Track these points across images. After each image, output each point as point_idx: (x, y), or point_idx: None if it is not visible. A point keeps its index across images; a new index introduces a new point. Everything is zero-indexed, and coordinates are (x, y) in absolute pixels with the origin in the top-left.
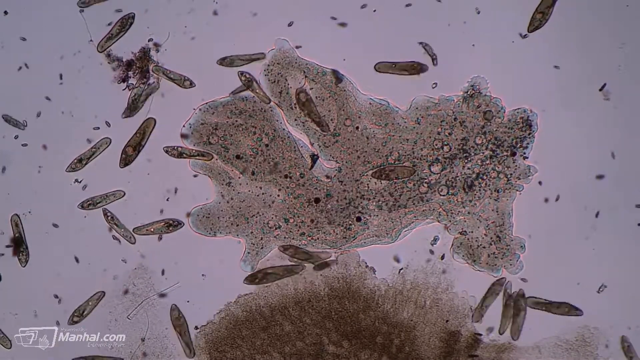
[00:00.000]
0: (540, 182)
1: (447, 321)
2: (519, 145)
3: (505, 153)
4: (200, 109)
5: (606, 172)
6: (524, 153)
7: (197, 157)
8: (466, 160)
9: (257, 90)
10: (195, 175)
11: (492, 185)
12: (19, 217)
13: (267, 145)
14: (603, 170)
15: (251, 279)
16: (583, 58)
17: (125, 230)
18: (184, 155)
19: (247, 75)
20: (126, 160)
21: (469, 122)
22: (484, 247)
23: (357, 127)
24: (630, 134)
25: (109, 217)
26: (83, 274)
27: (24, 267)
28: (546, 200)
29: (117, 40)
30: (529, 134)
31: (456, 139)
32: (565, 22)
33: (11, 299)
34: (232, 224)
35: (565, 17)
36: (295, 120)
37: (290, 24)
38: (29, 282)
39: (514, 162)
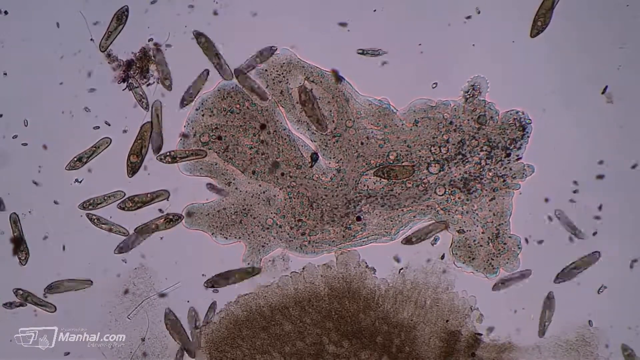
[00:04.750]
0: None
1: (447, 321)
2: (512, 146)
3: (500, 154)
4: (198, 109)
5: (606, 172)
6: (518, 154)
7: (192, 158)
8: (463, 162)
9: (256, 89)
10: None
11: (488, 185)
12: (18, 216)
13: (263, 142)
14: (603, 170)
15: (211, 284)
16: (583, 58)
17: (115, 226)
18: (178, 158)
19: (244, 74)
20: (133, 168)
21: (465, 125)
22: (481, 246)
23: (362, 143)
24: (631, 134)
25: (95, 220)
26: (83, 274)
27: (24, 265)
28: (546, 200)
29: (117, 36)
30: (523, 136)
31: (453, 143)
32: (565, 22)
33: (11, 298)
34: (232, 222)
35: (566, 17)
36: (299, 121)
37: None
38: (29, 282)
39: (508, 163)
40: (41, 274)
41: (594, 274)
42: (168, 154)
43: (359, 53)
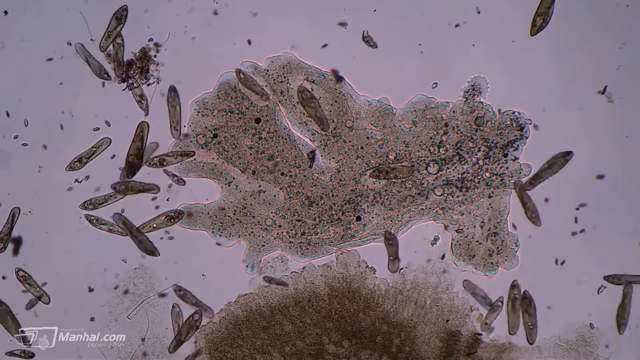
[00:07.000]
0: None
1: (447, 321)
2: (510, 146)
3: (497, 154)
4: (197, 110)
5: (606, 172)
6: (516, 154)
7: (182, 159)
8: (461, 162)
9: (255, 88)
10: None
11: (486, 184)
12: (19, 210)
13: (262, 139)
14: (603, 170)
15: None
16: (583, 58)
17: (113, 225)
18: (166, 161)
19: (245, 74)
20: (133, 169)
21: (463, 126)
22: (480, 244)
23: (362, 147)
24: (630, 133)
25: (93, 221)
26: (83, 274)
27: None
28: (546, 200)
29: (116, 36)
30: (521, 136)
31: (451, 143)
32: (565, 22)
33: (11, 298)
34: (232, 222)
35: (566, 17)
36: (300, 123)
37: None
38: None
39: (506, 162)
40: (40, 274)
41: (594, 273)
42: (155, 158)
43: (364, 37)
